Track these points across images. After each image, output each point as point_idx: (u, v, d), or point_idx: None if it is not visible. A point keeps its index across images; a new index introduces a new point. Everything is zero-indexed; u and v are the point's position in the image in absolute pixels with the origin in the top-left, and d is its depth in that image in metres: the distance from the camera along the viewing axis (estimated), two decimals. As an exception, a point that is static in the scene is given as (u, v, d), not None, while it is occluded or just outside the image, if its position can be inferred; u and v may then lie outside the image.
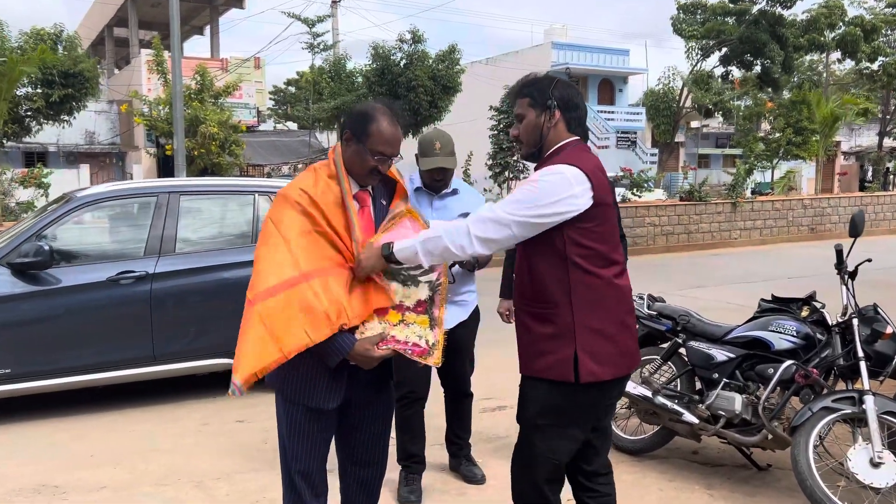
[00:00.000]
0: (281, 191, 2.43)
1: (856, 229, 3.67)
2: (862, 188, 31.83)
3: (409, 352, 2.38)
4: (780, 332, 3.83)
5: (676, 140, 34.72)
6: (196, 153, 17.34)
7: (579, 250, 2.36)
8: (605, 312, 2.39)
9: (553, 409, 2.42)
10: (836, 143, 34.89)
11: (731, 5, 25.53)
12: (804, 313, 3.86)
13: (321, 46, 22.09)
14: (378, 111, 2.43)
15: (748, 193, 20.71)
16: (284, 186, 2.44)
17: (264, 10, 57.57)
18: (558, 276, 2.37)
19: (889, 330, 3.62)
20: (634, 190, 16.78)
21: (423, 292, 2.44)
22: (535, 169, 2.48)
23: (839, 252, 3.77)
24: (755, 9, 25.14)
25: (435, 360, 2.41)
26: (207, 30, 29.85)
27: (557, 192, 2.32)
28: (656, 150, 33.92)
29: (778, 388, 3.74)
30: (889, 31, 28.99)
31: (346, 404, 2.50)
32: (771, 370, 3.75)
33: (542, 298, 2.41)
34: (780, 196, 20.76)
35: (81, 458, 4.51)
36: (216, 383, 5.85)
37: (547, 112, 2.49)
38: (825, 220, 19.37)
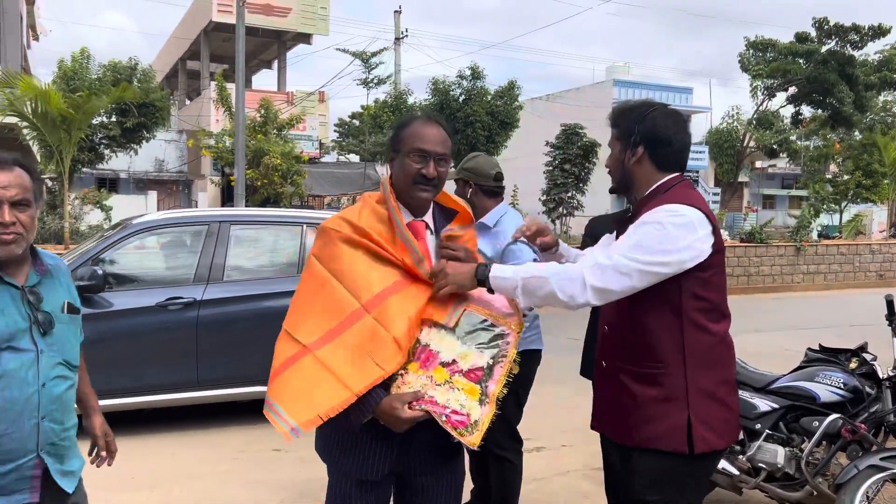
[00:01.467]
0: (322, 224, 2.21)
1: (908, 279, 3.51)
2: (937, 234, 30.50)
3: (444, 418, 1.98)
4: (827, 384, 3.67)
5: (740, 180, 34.07)
6: (259, 183, 17.82)
7: (697, 303, 2.11)
8: (718, 373, 2.14)
9: (664, 483, 2.15)
10: (910, 186, 33.62)
11: (799, 45, 25.08)
12: (853, 365, 3.71)
13: (375, 81, 22.53)
14: (413, 118, 2.23)
15: (814, 236, 20.09)
16: (327, 219, 2.24)
17: (329, 47, 59.19)
18: (670, 332, 2.11)
19: (944, 386, 3.43)
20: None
21: (483, 358, 2.08)
22: (637, 209, 2.22)
23: (889, 302, 3.61)
24: (824, 48, 24.64)
25: (473, 440, 1.98)
26: (275, 64, 30.81)
27: (683, 237, 2.06)
28: (719, 190, 33.28)
29: (823, 442, 3.58)
30: (967, 73, 27.94)
31: (405, 472, 2.18)
32: (816, 423, 3.59)
33: (649, 357, 2.14)
34: (846, 240, 20.08)
35: (123, 480, 4.59)
36: (256, 410, 5.91)
37: (630, 149, 2.25)
38: (895, 266, 18.61)
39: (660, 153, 2.22)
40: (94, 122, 16.04)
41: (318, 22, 27.28)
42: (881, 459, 3.32)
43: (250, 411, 5.94)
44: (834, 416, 3.54)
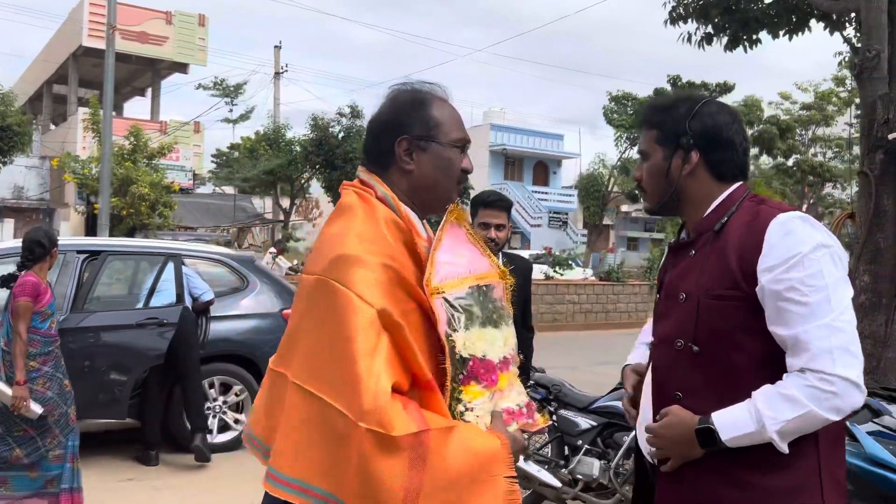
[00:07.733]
0: (349, 253, 1.48)
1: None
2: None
3: (531, 421, 1.63)
4: (636, 403, 4.16)
5: (606, 223, 36.06)
6: (125, 213, 17.31)
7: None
8: (843, 454, 1.70)
9: None
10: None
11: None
12: (658, 386, 4.22)
13: (238, 117, 22.55)
14: (428, 93, 1.69)
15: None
16: (345, 246, 1.50)
17: (206, 77, 58.19)
18: None
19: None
20: (556, 268, 17.38)
21: (512, 330, 1.64)
22: (695, 230, 1.78)
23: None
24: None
25: (542, 419, 1.67)
26: (149, 92, 30.03)
27: (842, 272, 1.61)
28: (586, 231, 35.09)
29: (632, 454, 4.06)
30: (802, 132, 31.09)
31: None
32: (625, 437, 4.07)
33: None
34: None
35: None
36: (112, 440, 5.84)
37: (680, 152, 1.75)
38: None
39: (720, 158, 1.75)
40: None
41: (195, 52, 26.92)
42: (677, 467, 3.81)
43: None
44: (639, 430, 4.03)
